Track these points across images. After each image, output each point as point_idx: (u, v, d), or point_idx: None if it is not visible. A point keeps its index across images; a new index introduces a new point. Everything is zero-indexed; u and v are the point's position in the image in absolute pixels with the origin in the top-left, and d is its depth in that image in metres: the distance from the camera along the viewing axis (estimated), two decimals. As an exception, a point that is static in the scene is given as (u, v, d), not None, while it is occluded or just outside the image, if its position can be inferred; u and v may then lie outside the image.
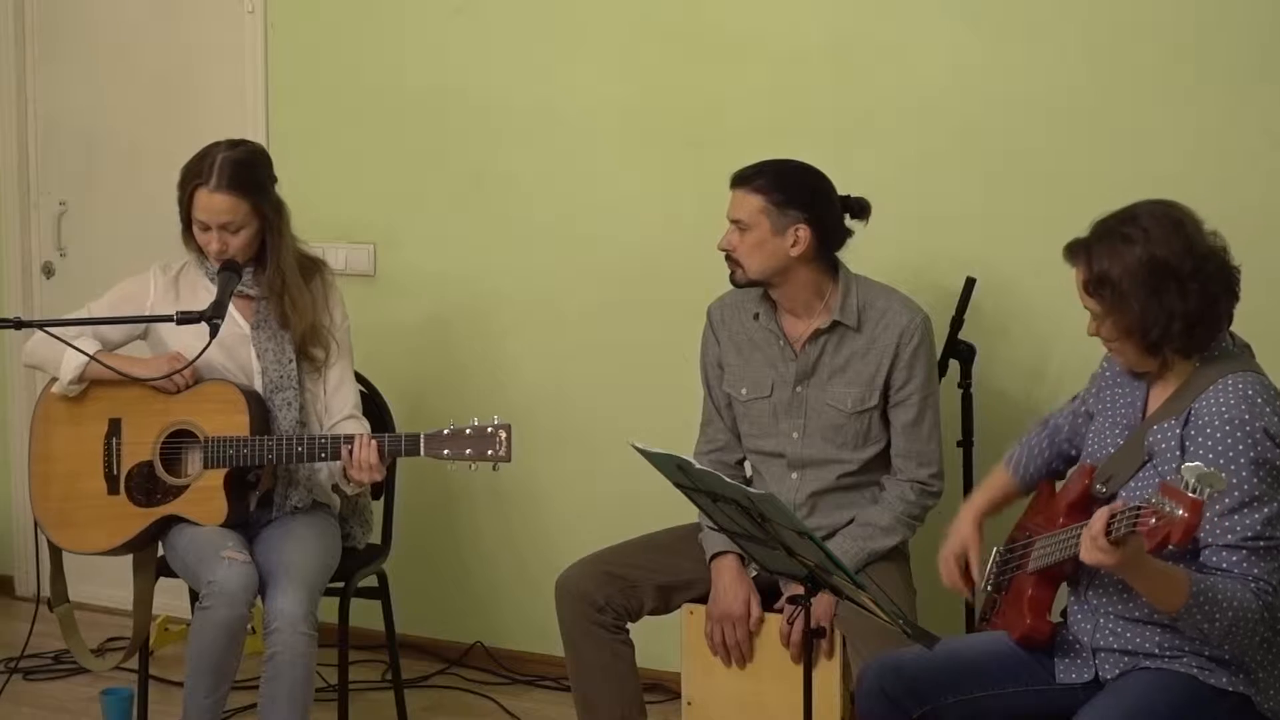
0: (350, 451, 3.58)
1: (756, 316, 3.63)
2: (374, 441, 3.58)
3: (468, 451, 3.55)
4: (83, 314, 3.77)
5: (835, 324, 3.55)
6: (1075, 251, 2.90)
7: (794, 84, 4.22)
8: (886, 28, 4.14)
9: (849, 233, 3.61)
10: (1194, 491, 2.44)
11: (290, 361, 3.73)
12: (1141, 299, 2.80)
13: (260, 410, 3.69)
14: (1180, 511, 2.44)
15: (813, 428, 3.59)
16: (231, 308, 3.69)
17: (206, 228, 3.68)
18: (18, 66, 5.30)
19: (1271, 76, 3.76)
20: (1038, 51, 3.97)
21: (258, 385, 3.73)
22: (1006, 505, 3.26)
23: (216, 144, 3.72)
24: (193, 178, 3.68)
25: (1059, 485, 3.13)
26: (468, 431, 3.56)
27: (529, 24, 4.56)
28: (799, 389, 3.59)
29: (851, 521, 3.58)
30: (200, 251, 3.75)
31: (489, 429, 3.56)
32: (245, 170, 3.69)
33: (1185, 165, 3.79)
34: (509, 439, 3.55)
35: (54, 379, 3.78)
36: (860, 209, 3.62)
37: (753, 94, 4.26)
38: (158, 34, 5.10)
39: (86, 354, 3.61)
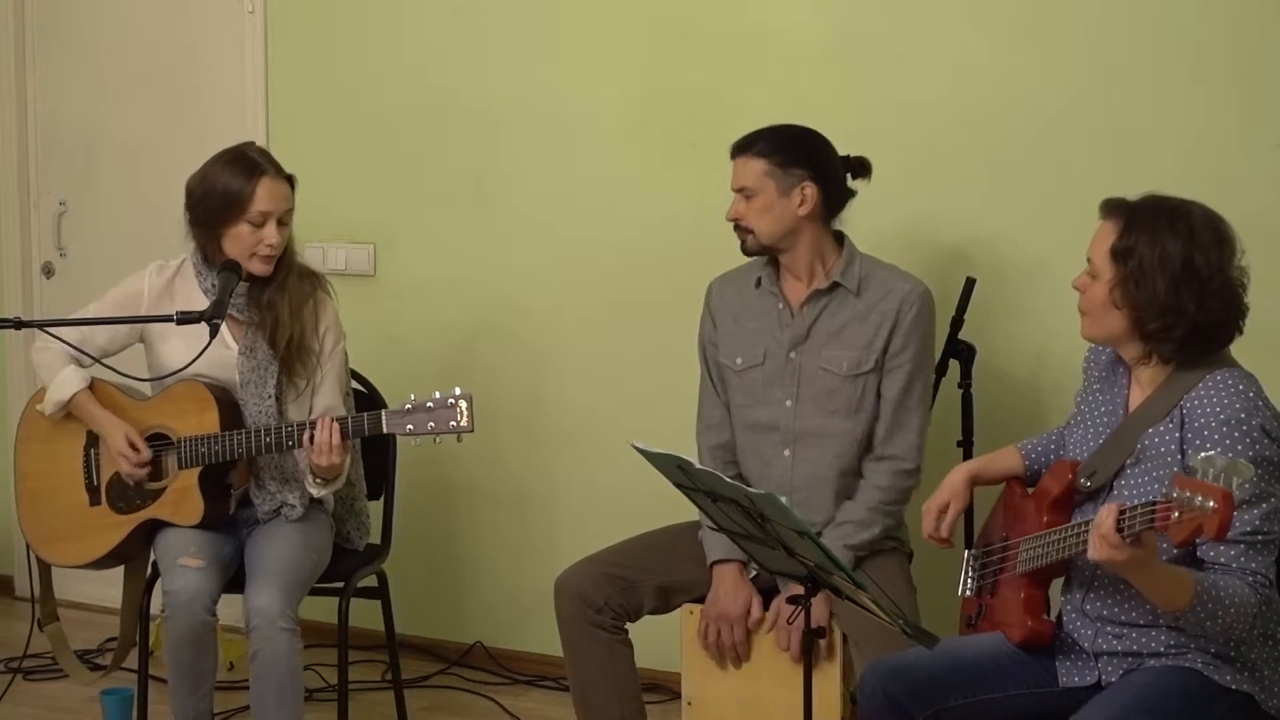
0: (313, 437, 3.55)
1: (759, 282, 3.63)
2: (335, 423, 3.56)
3: (430, 425, 3.53)
4: (83, 315, 3.76)
5: (835, 285, 3.55)
6: (1115, 210, 2.90)
7: (794, 84, 4.22)
8: (888, 27, 4.14)
9: (852, 193, 3.62)
10: (1220, 482, 2.43)
11: (269, 398, 3.69)
12: (1162, 287, 2.81)
13: (230, 408, 3.67)
14: (1211, 504, 2.42)
15: (805, 394, 3.57)
16: (224, 326, 3.66)
17: (265, 221, 3.63)
18: (18, 66, 5.30)
19: (1272, 77, 3.76)
20: (1039, 51, 3.97)
21: None
22: (1003, 480, 3.22)
23: (230, 150, 3.71)
24: (248, 176, 3.62)
25: (1030, 489, 3.11)
26: (429, 404, 3.53)
27: (529, 24, 4.56)
28: (792, 355, 3.58)
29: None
30: (221, 270, 3.67)
31: (450, 400, 3.53)
32: (275, 159, 3.73)
33: (1185, 165, 3.78)
34: (470, 408, 3.52)
35: (34, 400, 3.83)
36: (861, 167, 3.62)
37: (753, 94, 4.25)
38: (158, 34, 5.10)
39: (82, 386, 3.72)
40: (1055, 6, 3.96)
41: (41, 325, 3.59)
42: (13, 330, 3.45)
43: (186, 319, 3.42)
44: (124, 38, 5.15)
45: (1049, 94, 3.96)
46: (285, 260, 3.73)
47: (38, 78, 5.30)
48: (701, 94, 4.34)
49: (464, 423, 3.53)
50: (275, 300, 3.70)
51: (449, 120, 4.69)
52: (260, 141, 4.70)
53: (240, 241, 3.65)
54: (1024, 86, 3.99)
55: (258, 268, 3.67)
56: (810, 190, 3.51)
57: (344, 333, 3.85)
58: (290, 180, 3.72)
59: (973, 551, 3.20)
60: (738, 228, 3.58)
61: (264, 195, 3.63)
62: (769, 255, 3.61)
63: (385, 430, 3.56)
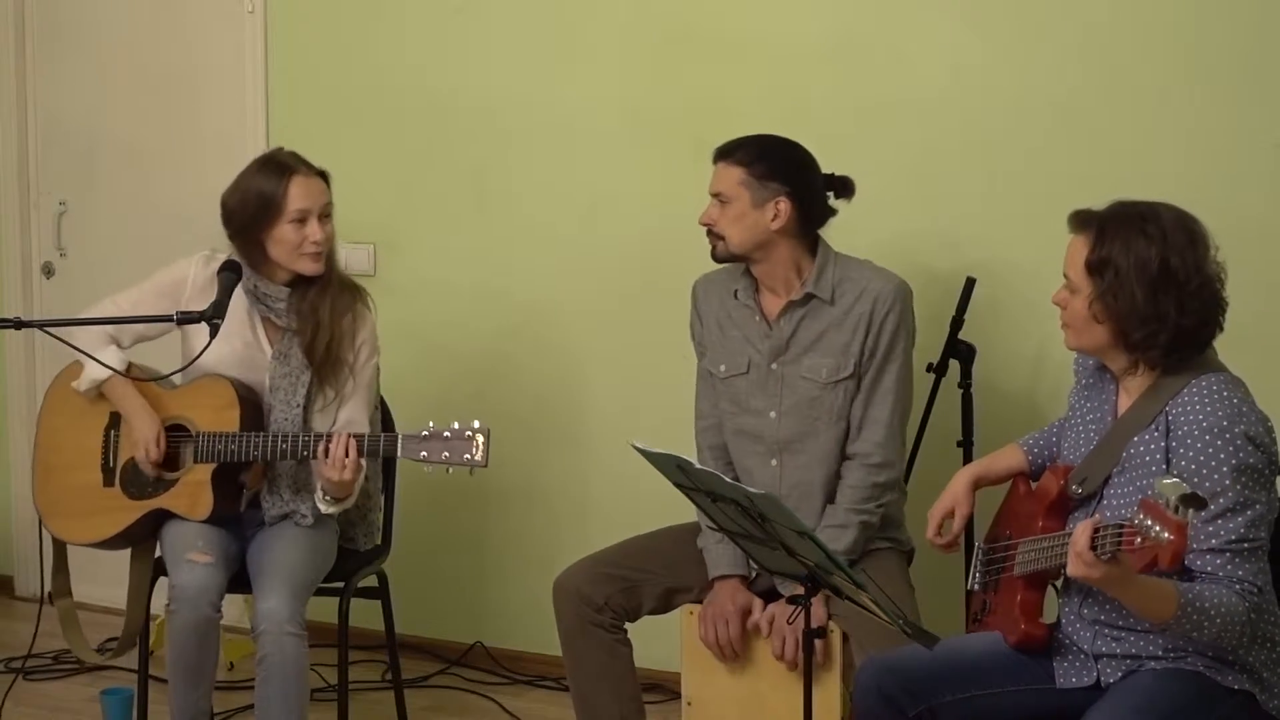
0: (328, 449, 3.55)
1: (736, 294, 3.63)
2: (353, 439, 3.55)
3: (444, 455, 3.52)
4: (121, 298, 3.78)
5: (809, 296, 3.54)
6: (1085, 223, 2.89)
7: (794, 84, 4.23)
8: (887, 28, 4.14)
9: (832, 211, 3.61)
10: (1176, 513, 2.43)
11: (298, 406, 3.69)
12: (1140, 296, 2.80)
13: (252, 408, 3.68)
14: (1166, 535, 2.44)
15: (788, 405, 3.56)
16: (261, 329, 3.70)
17: (306, 218, 3.64)
18: (18, 66, 5.30)
19: (1271, 77, 3.76)
20: (1037, 52, 3.98)
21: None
22: (1007, 479, 3.23)
23: (260, 156, 3.73)
24: (279, 177, 3.63)
25: (1034, 485, 3.12)
26: (446, 434, 3.52)
27: (529, 24, 4.57)
28: (774, 366, 3.57)
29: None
30: (258, 272, 3.68)
31: (467, 432, 3.51)
32: (306, 159, 3.72)
33: (1184, 165, 3.79)
34: (487, 444, 3.51)
35: (67, 374, 3.80)
36: (844, 187, 3.61)
37: (753, 94, 4.26)
38: (158, 34, 5.10)
39: (115, 368, 3.64)
40: (1054, 7, 3.96)
41: (41, 325, 3.59)
42: (13, 330, 3.46)
43: (186, 319, 3.42)
44: (124, 38, 5.15)
45: (1048, 94, 3.96)
46: (329, 266, 3.72)
47: (38, 78, 5.30)
48: (702, 94, 4.34)
49: (479, 457, 3.51)
50: (318, 305, 3.70)
51: (449, 120, 4.69)
52: (260, 142, 4.70)
53: (285, 243, 3.65)
54: (1023, 87, 3.99)
55: (308, 267, 3.67)
56: (784, 205, 3.50)
57: (379, 349, 3.83)
58: (324, 176, 3.72)
59: (981, 546, 3.20)
60: (710, 233, 3.57)
61: (299, 193, 3.64)
62: (738, 263, 3.60)
63: (400, 455, 3.56)
